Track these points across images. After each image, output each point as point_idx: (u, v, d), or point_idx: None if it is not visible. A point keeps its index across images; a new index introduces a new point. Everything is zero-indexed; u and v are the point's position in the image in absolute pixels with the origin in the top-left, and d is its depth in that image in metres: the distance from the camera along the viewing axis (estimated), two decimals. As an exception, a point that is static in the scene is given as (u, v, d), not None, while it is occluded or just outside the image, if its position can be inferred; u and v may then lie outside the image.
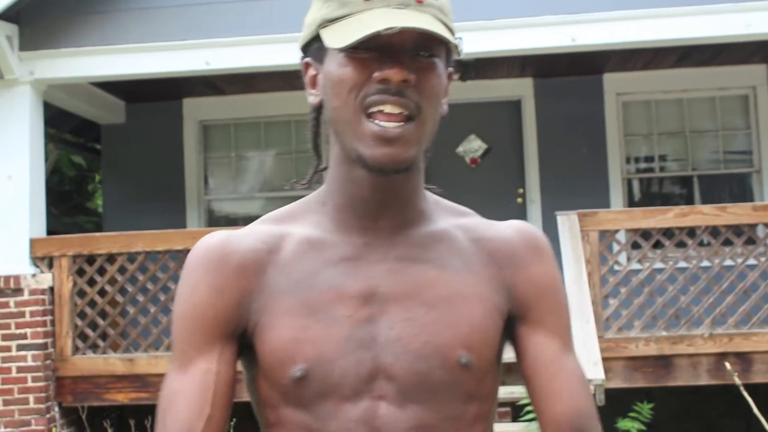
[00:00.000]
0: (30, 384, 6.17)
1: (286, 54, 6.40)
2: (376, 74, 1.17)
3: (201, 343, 1.25)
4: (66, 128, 9.06)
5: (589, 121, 8.04)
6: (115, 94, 8.16)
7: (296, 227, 1.30)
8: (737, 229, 6.31)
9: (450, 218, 1.34)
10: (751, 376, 5.92)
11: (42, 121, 6.62)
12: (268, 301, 1.25)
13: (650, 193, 8.32)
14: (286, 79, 7.73)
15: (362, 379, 1.21)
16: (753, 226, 6.37)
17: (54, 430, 6.18)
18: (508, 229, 1.34)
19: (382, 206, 1.26)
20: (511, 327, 1.31)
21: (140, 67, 6.53)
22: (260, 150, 8.53)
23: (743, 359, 6.01)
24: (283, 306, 1.24)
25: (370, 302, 1.23)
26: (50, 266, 6.41)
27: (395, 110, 1.18)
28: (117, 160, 8.58)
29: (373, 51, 1.18)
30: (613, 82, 8.11)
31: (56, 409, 6.31)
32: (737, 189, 8.13)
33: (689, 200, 8.10)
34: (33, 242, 6.36)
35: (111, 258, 6.54)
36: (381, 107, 1.17)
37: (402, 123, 1.18)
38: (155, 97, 8.21)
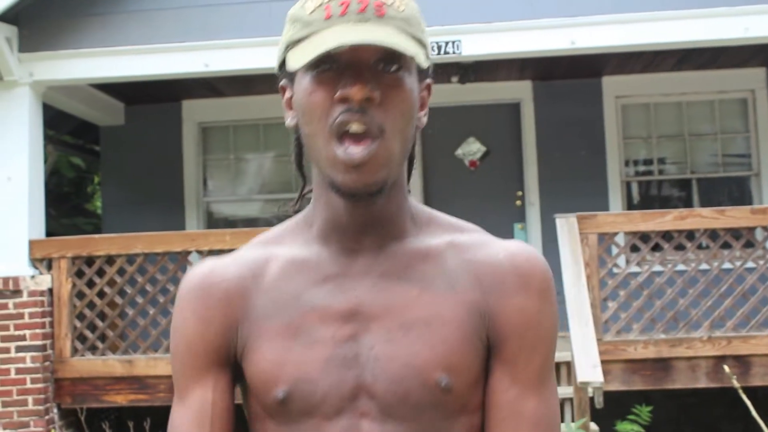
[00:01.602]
0: (29, 385, 6.17)
1: (285, 56, 6.46)
2: (338, 93, 1.15)
3: (195, 374, 1.27)
4: (65, 130, 9.08)
5: (588, 123, 8.05)
6: (114, 96, 8.17)
7: (282, 249, 1.30)
8: (736, 233, 6.32)
9: (443, 235, 1.29)
10: (749, 379, 5.93)
11: (41, 123, 6.62)
12: (253, 325, 1.26)
13: (649, 195, 8.34)
14: (286, 82, 7.75)
15: (344, 397, 1.21)
16: (751, 230, 6.37)
17: (53, 431, 6.18)
18: (501, 252, 1.26)
19: (363, 228, 1.25)
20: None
21: (139, 69, 6.53)
22: (259, 152, 8.54)
23: (742, 362, 6.01)
24: (267, 329, 1.25)
25: (352, 320, 1.22)
26: (49, 268, 6.41)
27: (360, 129, 1.15)
28: (116, 162, 8.59)
29: (335, 70, 1.16)
30: (612, 85, 8.13)
31: (55, 410, 6.31)
32: (736, 192, 8.14)
33: (688, 203, 8.11)
34: (32, 244, 6.37)
35: (110, 260, 6.54)
36: (347, 127, 1.15)
37: (367, 146, 1.15)
38: (154, 98, 8.22)
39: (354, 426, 1.21)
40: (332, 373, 1.21)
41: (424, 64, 1.20)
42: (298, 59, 1.17)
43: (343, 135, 1.16)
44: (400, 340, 1.21)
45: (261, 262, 1.30)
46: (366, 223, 1.25)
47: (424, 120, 1.30)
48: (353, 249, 1.26)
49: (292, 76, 1.25)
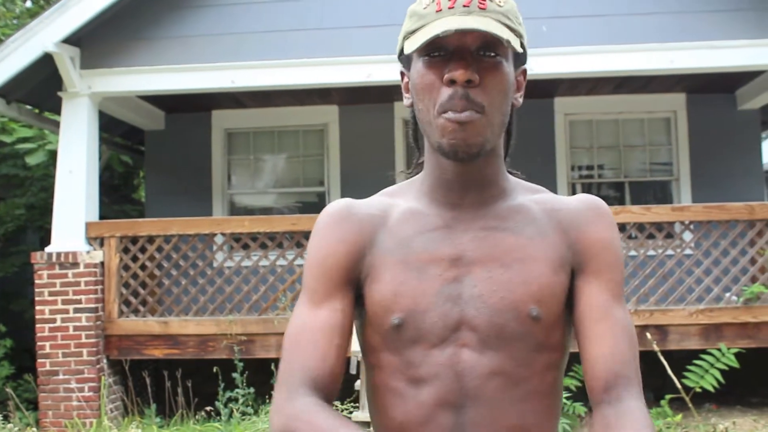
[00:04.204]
0: (84, 340, 6.19)
1: (297, 76, 6.46)
2: (446, 75, 1.14)
3: (329, 287, 1.23)
4: (116, 133, 9.05)
5: (542, 136, 8.07)
6: (157, 105, 8.16)
7: (402, 200, 1.29)
8: (659, 226, 6.37)
9: (527, 195, 1.30)
10: (666, 344, 5.99)
11: (97, 127, 6.62)
12: (376, 257, 1.24)
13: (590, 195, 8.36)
14: (297, 96, 7.76)
15: (448, 328, 1.19)
16: (671, 224, 6.43)
17: (103, 378, 6.21)
18: (574, 200, 1.29)
19: (465, 187, 1.24)
20: (573, 280, 1.25)
21: (177, 84, 6.53)
22: (274, 154, 8.53)
23: (661, 330, 6.07)
24: (387, 262, 1.23)
25: (457, 264, 1.21)
26: (101, 245, 6.43)
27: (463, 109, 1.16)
28: (157, 160, 8.59)
29: (443, 56, 1.16)
30: (562, 104, 8.15)
31: (104, 361, 6.33)
32: (660, 193, 8.19)
33: (621, 201, 8.15)
34: (88, 225, 6.37)
35: (151, 239, 6.56)
36: (452, 108, 1.15)
37: (469, 114, 1.15)
38: (189, 108, 8.21)
39: (456, 354, 1.18)
40: (440, 306, 1.19)
41: (519, 49, 1.19)
42: (412, 44, 1.16)
43: (446, 111, 1.16)
44: (499, 279, 1.20)
45: (387, 206, 1.29)
46: (468, 182, 1.24)
47: (520, 100, 1.30)
48: (457, 204, 1.25)
49: (408, 64, 1.24)
